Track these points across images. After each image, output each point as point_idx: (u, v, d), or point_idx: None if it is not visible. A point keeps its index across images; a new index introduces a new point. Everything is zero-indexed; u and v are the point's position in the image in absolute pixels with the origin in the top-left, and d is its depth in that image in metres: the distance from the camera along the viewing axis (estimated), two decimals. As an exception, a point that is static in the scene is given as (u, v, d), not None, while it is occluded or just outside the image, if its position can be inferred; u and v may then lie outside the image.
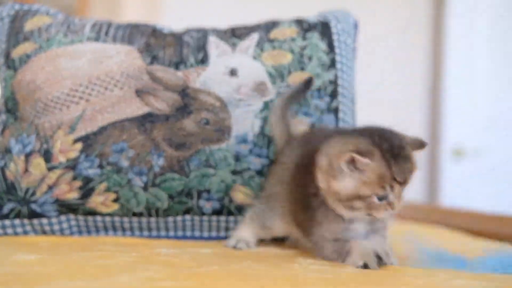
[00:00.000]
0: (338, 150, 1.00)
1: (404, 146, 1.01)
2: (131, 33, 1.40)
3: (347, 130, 1.12)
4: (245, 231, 1.24)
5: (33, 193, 1.29)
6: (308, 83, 1.33)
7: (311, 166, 1.05)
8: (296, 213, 1.12)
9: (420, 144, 1.04)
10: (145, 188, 1.30)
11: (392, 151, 0.99)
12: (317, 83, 1.37)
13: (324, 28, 1.42)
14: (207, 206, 1.31)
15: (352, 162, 0.98)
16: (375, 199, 0.99)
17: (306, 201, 1.07)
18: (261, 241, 1.28)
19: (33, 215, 1.29)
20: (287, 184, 1.15)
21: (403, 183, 1.00)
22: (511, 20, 3.39)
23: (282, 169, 1.20)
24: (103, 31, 1.40)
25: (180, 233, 1.35)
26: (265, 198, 1.23)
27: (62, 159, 1.29)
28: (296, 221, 1.13)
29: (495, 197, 3.13)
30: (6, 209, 1.29)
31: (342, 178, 1.00)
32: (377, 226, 1.07)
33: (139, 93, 1.33)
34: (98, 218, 1.31)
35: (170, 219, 1.32)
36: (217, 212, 1.32)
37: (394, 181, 0.99)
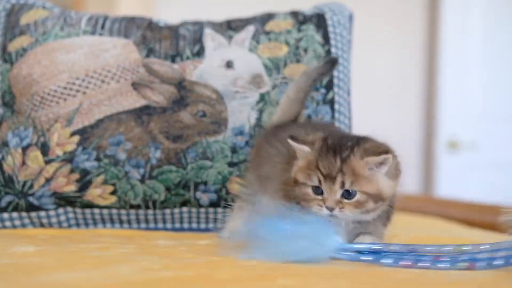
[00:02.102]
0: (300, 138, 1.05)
1: (348, 147, 1.01)
2: (127, 26, 1.40)
3: (320, 124, 1.15)
4: (237, 221, 1.25)
5: (31, 186, 1.29)
6: (333, 63, 1.30)
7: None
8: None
9: (379, 152, 1.01)
10: (142, 181, 1.30)
11: (332, 147, 1.01)
12: (312, 75, 1.37)
13: (319, 20, 1.43)
14: (204, 198, 1.32)
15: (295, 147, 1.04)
16: (309, 191, 1.01)
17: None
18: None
19: (31, 208, 1.30)
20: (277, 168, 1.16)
21: (328, 177, 0.99)
22: (505, 14, 3.40)
23: (273, 153, 1.19)
24: (99, 25, 1.40)
25: (177, 225, 1.36)
26: (258, 179, 1.21)
27: (59, 152, 1.30)
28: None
29: (489, 188, 3.14)
30: (4, 202, 1.30)
31: (292, 165, 1.05)
32: (370, 229, 1.06)
33: (136, 86, 1.34)
34: (96, 210, 1.32)
35: (167, 211, 1.33)
36: (214, 204, 1.33)
37: (319, 172, 1.00)
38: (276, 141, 1.20)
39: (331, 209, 1.00)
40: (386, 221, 1.11)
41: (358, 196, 1.00)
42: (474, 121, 3.37)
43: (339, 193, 1.00)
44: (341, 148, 1.01)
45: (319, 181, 1.00)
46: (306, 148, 1.03)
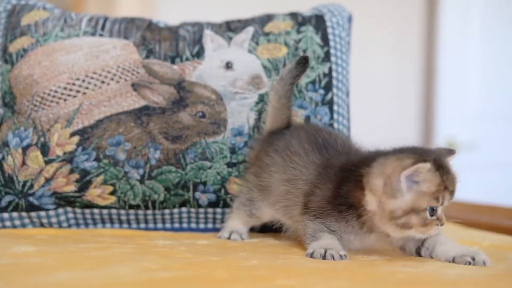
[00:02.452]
0: (394, 167, 0.99)
1: (443, 157, 1.03)
2: (127, 27, 1.41)
3: (384, 151, 1.08)
4: (236, 221, 1.26)
5: (31, 186, 1.29)
6: (304, 62, 1.26)
7: (350, 185, 1.03)
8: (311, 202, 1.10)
9: (449, 152, 1.05)
10: (141, 181, 1.31)
11: (438, 163, 1.00)
12: (311, 75, 1.38)
13: (318, 22, 1.43)
14: (203, 198, 1.32)
15: (412, 175, 0.97)
16: (428, 215, 0.99)
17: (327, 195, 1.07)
18: (257, 232, 1.29)
19: (31, 208, 1.30)
20: (297, 183, 1.13)
21: (453, 193, 1.01)
22: (504, 14, 3.40)
23: (285, 165, 1.16)
24: (99, 26, 1.40)
25: (176, 225, 1.36)
26: (257, 188, 1.21)
27: (59, 152, 1.30)
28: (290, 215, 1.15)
29: (488, 188, 3.15)
30: (4, 202, 1.30)
31: (400, 194, 0.98)
32: None
33: (135, 86, 1.34)
34: (95, 210, 1.32)
35: (167, 211, 1.33)
36: (213, 204, 1.33)
37: (447, 191, 1.00)
38: (273, 151, 1.19)
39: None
40: None
41: None
42: (473, 121, 3.37)
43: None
44: (443, 161, 1.02)
45: (443, 199, 1.00)
46: (427, 167, 0.98)
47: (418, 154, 1.00)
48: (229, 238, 1.23)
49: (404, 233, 1.01)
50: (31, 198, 1.30)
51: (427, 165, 0.97)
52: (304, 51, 1.39)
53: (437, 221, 1.00)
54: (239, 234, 1.23)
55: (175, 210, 1.34)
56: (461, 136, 3.36)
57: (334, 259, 0.99)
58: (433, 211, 0.99)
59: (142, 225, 1.35)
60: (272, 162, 1.18)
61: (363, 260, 1.03)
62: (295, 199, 1.12)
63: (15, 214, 1.31)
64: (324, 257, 1.00)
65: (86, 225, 1.34)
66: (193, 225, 1.36)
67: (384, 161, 1.01)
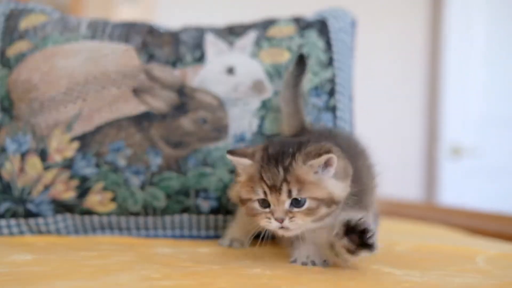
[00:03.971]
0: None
1: (289, 154, 0.97)
2: (128, 31, 1.40)
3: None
4: (237, 229, 1.24)
5: (29, 193, 1.28)
6: (302, 60, 1.25)
7: None
8: None
9: (319, 153, 0.96)
10: (142, 187, 1.29)
11: (273, 157, 0.98)
12: (314, 81, 1.36)
13: (321, 27, 1.42)
14: (205, 205, 1.31)
15: (236, 163, 1.01)
16: (256, 205, 0.98)
17: None
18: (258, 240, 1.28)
19: (29, 214, 1.29)
20: None
21: (273, 188, 0.96)
22: (508, 20, 3.40)
23: None
24: (99, 30, 1.39)
25: (177, 232, 1.34)
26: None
27: (58, 158, 1.29)
28: None
29: (492, 195, 3.14)
30: (2, 208, 1.28)
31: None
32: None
33: (136, 92, 1.33)
34: (95, 217, 1.30)
35: (168, 218, 1.32)
36: (215, 211, 1.32)
37: (264, 183, 0.96)
38: None
39: (280, 221, 0.96)
40: (355, 202, 1.03)
41: (308, 203, 0.96)
42: (477, 127, 3.37)
43: (287, 203, 0.96)
44: (283, 156, 0.97)
45: (265, 193, 0.97)
46: (246, 161, 1.00)
47: (264, 145, 1.02)
48: (230, 246, 1.21)
49: (255, 220, 1.01)
50: (29, 205, 1.28)
51: (240, 160, 1.00)
52: (307, 56, 1.37)
53: (268, 214, 0.97)
54: (240, 243, 1.22)
55: (176, 217, 1.32)
56: (465, 142, 3.35)
57: (315, 265, 0.99)
58: (264, 202, 0.98)
59: (143, 232, 1.34)
60: None
61: (367, 268, 1.01)
62: None
63: (13, 221, 1.29)
64: (305, 264, 1.00)
65: (86, 232, 1.33)
66: (194, 232, 1.35)
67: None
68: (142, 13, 2.76)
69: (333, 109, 1.36)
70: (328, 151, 0.96)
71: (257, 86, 1.35)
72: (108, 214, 1.30)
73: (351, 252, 0.96)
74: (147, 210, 1.30)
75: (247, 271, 0.93)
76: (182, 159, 1.30)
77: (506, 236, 1.58)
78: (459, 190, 3.27)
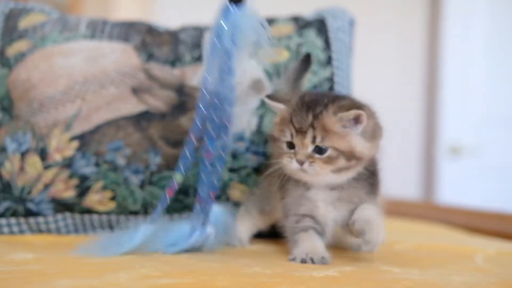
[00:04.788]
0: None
1: (323, 103, 1.02)
2: (127, 31, 1.40)
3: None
4: (238, 227, 1.24)
5: (29, 192, 1.28)
6: (307, 60, 1.28)
7: None
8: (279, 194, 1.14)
9: (349, 108, 1.01)
10: (141, 186, 1.29)
11: (307, 104, 1.03)
12: (313, 80, 1.37)
13: (320, 26, 1.42)
14: (204, 204, 1.31)
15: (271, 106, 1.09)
16: (283, 146, 1.04)
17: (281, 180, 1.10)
18: (258, 238, 1.28)
19: (29, 213, 1.29)
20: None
21: (300, 131, 1.02)
22: (507, 18, 3.40)
23: None
24: (98, 29, 1.39)
25: (177, 231, 1.34)
26: (266, 184, 1.23)
27: (58, 157, 1.29)
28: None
29: (491, 194, 3.14)
30: (2, 208, 1.29)
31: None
32: (354, 200, 1.07)
33: (135, 91, 1.33)
34: (95, 216, 1.31)
35: (167, 217, 1.32)
36: (214, 210, 1.32)
37: (292, 126, 1.02)
38: None
39: (301, 163, 1.02)
40: (371, 189, 1.09)
41: (329, 152, 1.01)
42: (476, 126, 3.37)
43: (310, 148, 1.02)
44: (316, 104, 1.02)
45: (291, 135, 1.03)
46: (281, 106, 1.06)
47: (300, 94, 1.08)
48: (228, 243, 1.22)
49: (277, 163, 1.06)
50: (29, 204, 1.28)
51: (276, 104, 1.08)
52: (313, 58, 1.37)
53: (292, 154, 1.03)
54: (238, 240, 1.22)
55: (176, 216, 1.32)
56: (465, 141, 3.36)
57: (313, 263, 1.00)
58: (290, 144, 1.04)
59: (142, 231, 1.34)
60: None
61: (367, 267, 1.02)
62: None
63: (13, 220, 1.29)
64: (304, 262, 1.01)
65: (85, 231, 1.33)
66: (193, 231, 1.35)
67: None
68: (141, 13, 2.76)
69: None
70: (359, 108, 1.01)
71: (256, 85, 1.35)
72: (108, 213, 1.30)
73: None
74: (147, 209, 1.31)
75: (246, 269, 0.93)
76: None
77: (504, 235, 1.59)
78: (458, 189, 3.27)
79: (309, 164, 1.01)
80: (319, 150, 1.01)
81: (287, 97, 1.08)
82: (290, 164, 1.03)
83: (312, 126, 1.01)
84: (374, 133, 1.05)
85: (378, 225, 1.01)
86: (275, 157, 1.08)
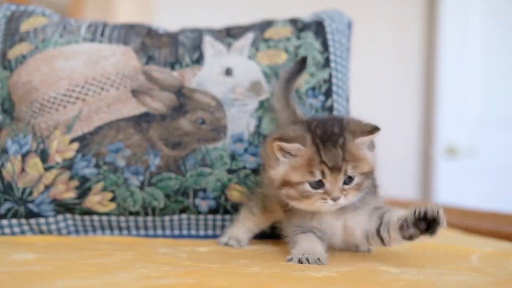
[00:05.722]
0: (273, 139, 1.02)
1: (338, 132, 1.01)
2: (127, 33, 1.41)
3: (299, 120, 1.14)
4: (238, 228, 1.25)
5: (30, 193, 1.29)
6: (302, 63, 1.30)
7: None
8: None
9: (370, 130, 1.02)
10: (141, 188, 1.30)
11: (324, 137, 1.00)
12: (311, 82, 1.38)
13: (318, 28, 1.43)
14: (203, 205, 1.32)
15: (281, 149, 1.01)
16: (307, 187, 1.00)
17: None
18: (257, 239, 1.29)
19: (30, 215, 1.30)
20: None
21: (334, 169, 0.99)
22: (503, 20, 3.41)
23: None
24: (98, 32, 1.40)
25: (176, 232, 1.35)
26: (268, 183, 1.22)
27: (58, 159, 1.30)
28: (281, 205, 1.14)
29: (488, 194, 3.15)
30: (3, 209, 1.29)
31: (277, 165, 1.03)
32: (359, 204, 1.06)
33: (135, 93, 1.34)
34: (95, 217, 1.32)
35: (167, 218, 1.33)
36: (213, 211, 1.33)
37: (324, 165, 0.99)
38: None
39: (337, 199, 1.00)
40: (375, 184, 1.10)
41: (356, 179, 1.01)
42: (473, 126, 3.37)
43: (341, 181, 1.00)
44: (334, 135, 1.00)
45: (322, 174, 0.99)
46: (299, 146, 1.01)
47: (306, 127, 1.02)
48: (226, 244, 1.23)
49: (297, 204, 1.03)
50: (30, 205, 1.29)
51: (294, 145, 1.00)
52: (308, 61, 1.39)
53: (324, 195, 1.00)
54: (237, 241, 1.23)
55: (175, 217, 1.33)
56: (461, 142, 3.36)
57: (309, 263, 1.01)
58: (318, 184, 1.00)
59: (142, 232, 1.35)
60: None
61: (364, 267, 1.02)
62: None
63: (14, 221, 1.30)
64: (300, 262, 1.01)
65: (86, 232, 1.34)
66: (193, 232, 1.36)
67: (273, 134, 1.06)
68: (141, 16, 2.76)
69: (330, 110, 1.37)
70: (375, 128, 1.01)
71: (254, 87, 1.36)
72: (108, 214, 1.31)
73: (410, 237, 1.02)
74: (147, 210, 1.31)
75: (245, 270, 0.94)
76: (181, 159, 1.31)
77: (500, 235, 1.59)
78: (454, 189, 3.27)
79: (344, 198, 1.01)
80: (348, 179, 1.01)
81: (296, 135, 1.02)
82: (324, 205, 1.01)
83: (344, 159, 0.99)
84: (373, 143, 1.06)
85: None
86: (291, 198, 1.03)
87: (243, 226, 1.25)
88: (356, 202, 1.04)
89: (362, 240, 1.09)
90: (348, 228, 1.08)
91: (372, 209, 1.07)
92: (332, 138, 1.00)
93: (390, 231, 1.04)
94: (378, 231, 1.06)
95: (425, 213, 1.00)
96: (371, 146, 1.04)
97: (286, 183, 1.02)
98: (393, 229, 1.03)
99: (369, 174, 1.03)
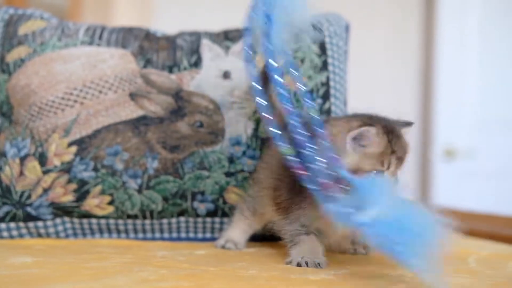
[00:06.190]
0: (341, 128, 1.02)
1: (395, 124, 1.05)
2: (125, 36, 1.41)
3: (338, 116, 1.13)
4: (234, 231, 1.26)
5: (28, 196, 1.29)
6: None
7: None
8: (278, 197, 1.12)
9: (406, 124, 1.08)
10: (139, 191, 1.30)
11: (388, 128, 1.02)
12: (309, 85, 1.38)
13: (316, 31, 1.44)
14: (201, 207, 1.32)
15: (357, 138, 1.00)
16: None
17: (291, 187, 1.07)
18: (254, 242, 1.29)
19: (28, 218, 1.30)
20: (274, 172, 1.15)
21: (401, 159, 1.02)
22: (502, 21, 3.42)
23: (271, 157, 1.19)
24: (97, 35, 1.41)
25: (174, 234, 1.36)
26: (257, 185, 1.23)
27: (57, 162, 1.30)
28: (275, 204, 1.14)
29: (486, 197, 3.15)
30: (1, 212, 1.30)
31: (345, 155, 1.00)
32: None
33: (133, 96, 1.34)
34: (93, 220, 1.32)
35: (165, 221, 1.33)
36: (211, 214, 1.33)
37: (394, 156, 1.01)
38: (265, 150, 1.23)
39: None
40: None
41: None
42: (471, 129, 3.38)
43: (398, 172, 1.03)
44: (394, 127, 1.04)
45: (389, 165, 1.01)
46: (374, 131, 1.00)
47: (368, 119, 1.04)
48: (223, 246, 1.23)
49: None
50: (28, 208, 1.29)
51: (373, 129, 1.00)
52: (302, 60, 1.39)
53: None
54: (234, 243, 1.23)
55: (173, 220, 1.33)
56: (459, 144, 3.36)
57: (307, 266, 1.00)
58: (379, 174, 1.01)
59: (140, 235, 1.35)
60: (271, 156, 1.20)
61: (362, 270, 1.03)
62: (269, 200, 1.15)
63: (12, 224, 1.30)
64: (299, 265, 1.01)
65: (84, 235, 1.34)
66: (191, 235, 1.36)
67: (334, 123, 1.05)
68: (140, 19, 2.77)
69: (327, 113, 1.38)
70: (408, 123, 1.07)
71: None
72: (106, 217, 1.31)
73: None
74: (145, 213, 1.32)
75: (243, 272, 0.94)
76: (179, 162, 1.31)
77: (498, 237, 1.60)
78: (452, 192, 3.28)
79: None
80: None
81: (369, 124, 1.02)
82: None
83: (407, 150, 1.04)
84: None
85: None
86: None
87: (238, 228, 1.26)
88: None
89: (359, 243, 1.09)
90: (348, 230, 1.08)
91: None
92: (394, 130, 1.03)
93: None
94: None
95: None
96: None
97: (356, 172, 0.99)
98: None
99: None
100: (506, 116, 3.36)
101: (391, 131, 1.02)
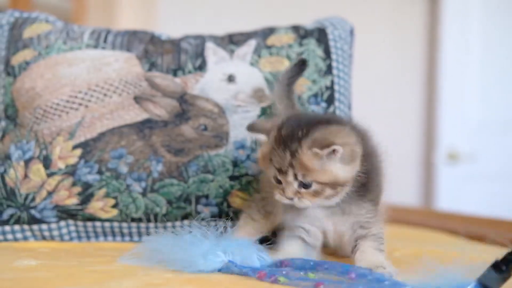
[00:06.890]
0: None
1: (297, 138, 0.99)
2: (130, 40, 1.41)
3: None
4: (240, 235, 1.25)
5: (33, 199, 1.29)
6: (302, 65, 1.28)
7: None
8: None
9: (324, 145, 0.97)
10: (144, 194, 1.31)
11: (283, 139, 1.00)
12: (314, 89, 1.38)
13: (320, 35, 1.44)
14: (206, 211, 1.32)
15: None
16: (272, 179, 1.04)
17: None
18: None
19: (32, 221, 1.30)
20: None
21: (281, 171, 1.00)
22: (504, 25, 3.42)
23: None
24: (101, 38, 1.41)
25: (178, 238, 1.35)
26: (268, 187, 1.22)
27: (61, 165, 1.30)
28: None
29: (489, 199, 3.15)
30: (6, 215, 1.30)
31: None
32: (348, 210, 1.06)
33: (138, 99, 1.34)
34: (97, 223, 1.32)
35: (169, 224, 1.33)
36: (216, 218, 1.33)
37: (272, 165, 1.01)
38: None
39: (290, 199, 1.02)
40: (366, 193, 1.07)
41: (314, 186, 1.00)
42: (474, 132, 3.38)
43: (295, 184, 1.01)
44: (292, 140, 1.00)
45: (275, 173, 1.02)
46: (262, 137, 1.05)
47: (280, 123, 1.04)
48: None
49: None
50: (33, 211, 1.30)
51: (262, 137, 1.05)
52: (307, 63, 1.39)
53: (280, 190, 1.03)
54: None
55: (177, 223, 1.33)
56: (462, 147, 3.36)
57: None
58: (277, 179, 1.02)
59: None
60: None
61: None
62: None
63: (16, 227, 1.30)
64: None
65: (88, 238, 1.34)
66: (195, 238, 1.36)
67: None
68: (144, 22, 2.77)
69: (332, 117, 1.37)
70: (332, 143, 0.97)
71: (257, 94, 1.37)
72: (110, 220, 1.32)
73: None
74: (149, 216, 1.32)
75: (249, 280, 0.94)
76: (183, 166, 1.31)
77: (502, 241, 1.59)
78: (456, 195, 3.28)
79: (298, 200, 1.01)
80: (304, 185, 1.00)
81: (268, 126, 1.05)
82: (281, 199, 1.03)
83: (291, 165, 0.99)
84: (352, 156, 1.01)
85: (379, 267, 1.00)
86: (268, 186, 1.09)
87: (244, 232, 1.25)
88: (337, 206, 1.05)
89: (349, 247, 1.09)
90: (338, 232, 1.09)
91: (354, 222, 1.07)
92: (288, 141, 1.00)
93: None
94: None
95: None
96: (347, 158, 1.00)
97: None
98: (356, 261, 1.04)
99: (335, 185, 1.00)
100: (509, 119, 3.36)
101: (281, 141, 1.01)
